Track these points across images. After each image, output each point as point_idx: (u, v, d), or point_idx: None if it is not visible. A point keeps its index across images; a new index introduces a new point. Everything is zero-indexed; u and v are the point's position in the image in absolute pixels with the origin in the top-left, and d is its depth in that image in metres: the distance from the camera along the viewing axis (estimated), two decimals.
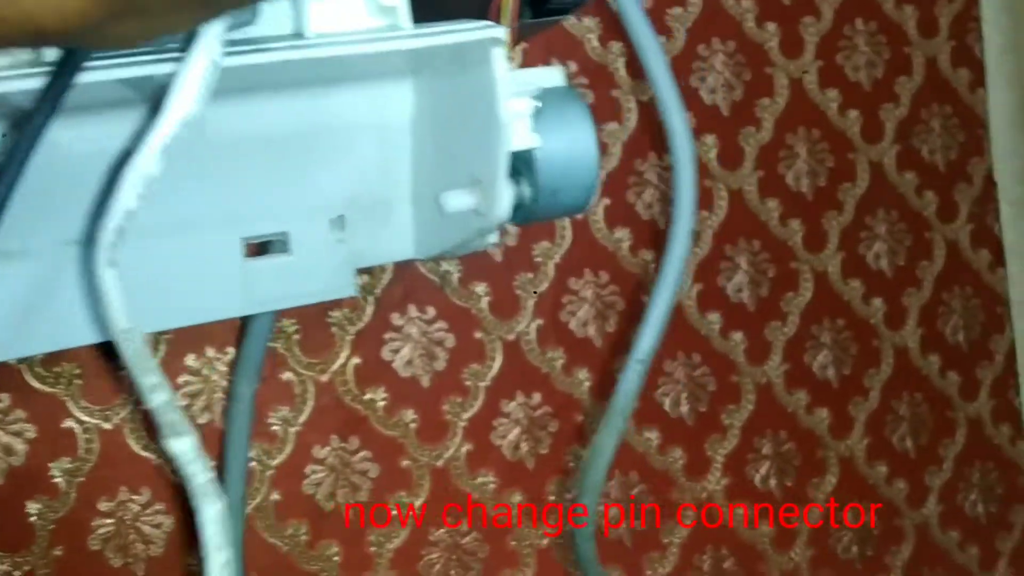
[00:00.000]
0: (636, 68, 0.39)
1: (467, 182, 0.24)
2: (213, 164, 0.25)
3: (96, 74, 0.20)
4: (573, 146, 0.24)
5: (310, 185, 0.26)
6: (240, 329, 0.33)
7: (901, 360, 0.46)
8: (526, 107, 0.23)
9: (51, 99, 0.20)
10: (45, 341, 0.26)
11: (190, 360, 0.33)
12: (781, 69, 0.43)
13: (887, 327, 0.46)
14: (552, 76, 0.25)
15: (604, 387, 0.40)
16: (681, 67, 0.41)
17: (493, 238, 0.26)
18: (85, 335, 0.26)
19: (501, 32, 0.23)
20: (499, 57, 0.23)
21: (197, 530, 0.30)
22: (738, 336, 0.43)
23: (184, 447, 0.26)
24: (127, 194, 0.21)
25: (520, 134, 0.23)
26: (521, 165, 0.24)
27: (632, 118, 0.40)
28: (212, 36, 0.21)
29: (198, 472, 0.26)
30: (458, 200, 0.24)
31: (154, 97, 0.21)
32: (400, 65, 0.26)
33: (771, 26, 0.43)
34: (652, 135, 0.40)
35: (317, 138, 0.26)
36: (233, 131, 0.25)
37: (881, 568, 0.46)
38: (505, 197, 0.24)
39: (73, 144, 0.23)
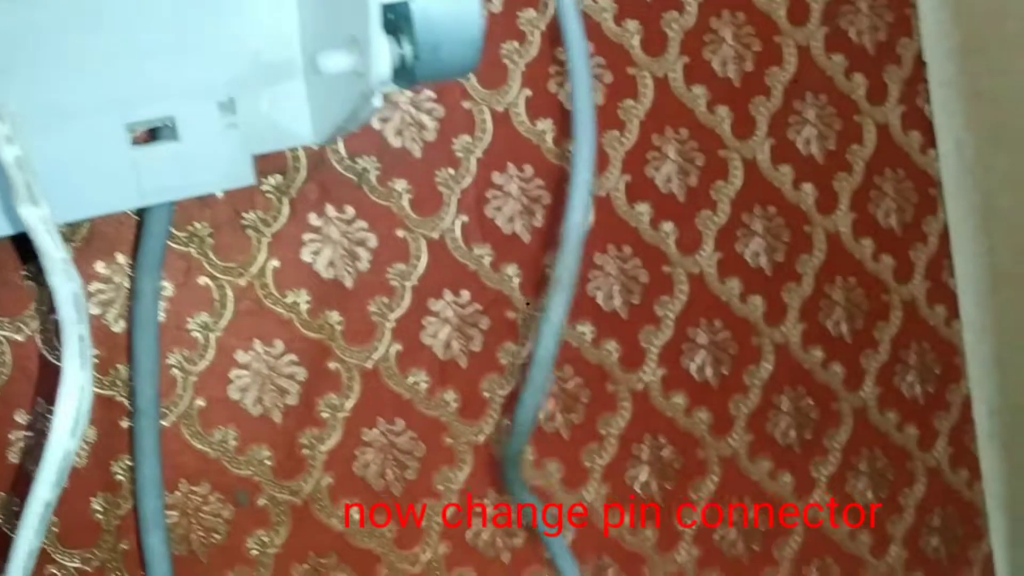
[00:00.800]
0: None
1: (345, 42, 0.23)
2: (84, 41, 0.24)
3: None
4: None
5: (194, 63, 0.25)
6: (137, 225, 0.32)
7: (834, 245, 0.46)
8: None
9: None
10: None
11: (100, 267, 0.33)
12: None
13: (819, 212, 0.46)
14: None
15: (534, 282, 0.40)
16: None
17: (377, 102, 0.25)
18: None
19: None
20: None
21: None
22: (668, 227, 0.42)
23: (38, 216, 0.23)
24: None
25: None
26: (399, 20, 0.24)
27: (550, 6, 0.39)
28: None
29: (53, 247, 0.24)
30: (335, 60, 0.23)
31: None
32: None
33: None
34: None
35: (197, 9, 0.25)
36: (99, 3, 0.23)
37: (820, 451, 0.47)
38: (382, 54, 0.23)
39: None
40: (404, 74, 0.24)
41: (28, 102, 0.23)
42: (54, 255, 0.24)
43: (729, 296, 0.44)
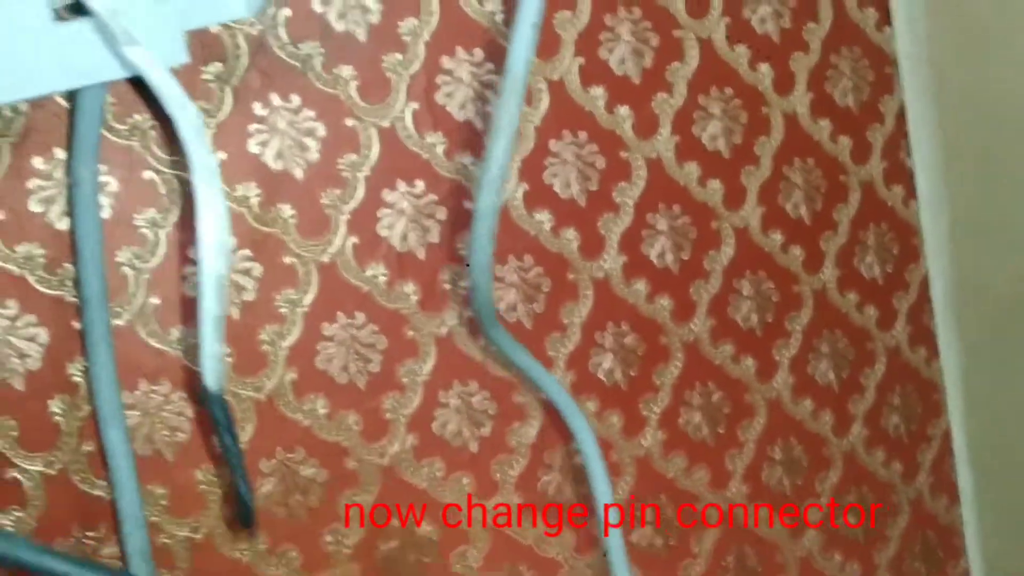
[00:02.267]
0: None
1: None
2: None
3: None
4: None
5: None
6: (69, 113, 0.31)
7: (791, 126, 0.46)
8: None
9: None
10: None
11: (38, 164, 0.32)
12: None
13: (776, 93, 0.45)
14: None
15: None
16: None
17: None
18: None
19: None
20: None
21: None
22: (624, 111, 0.42)
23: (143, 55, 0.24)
24: None
25: None
26: None
27: None
28: None
29: (160, 82, 0.24)
30: None
31: None
32: None
33: None
34: None
35: None
36: None
37: (781, 333, 0.47)
38: None
39: None
40: None
41: None
42: (164, 89, 0.23)
43: (687, 181, 0.44)
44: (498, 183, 0.35)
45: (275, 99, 0.35)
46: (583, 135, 0.41)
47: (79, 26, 0.25)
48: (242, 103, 0.34)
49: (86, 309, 0.31)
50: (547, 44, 0.40)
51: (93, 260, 0.30)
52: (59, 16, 0.25)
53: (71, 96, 0.30)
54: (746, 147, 0.45)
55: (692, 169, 0.44)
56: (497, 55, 0.39)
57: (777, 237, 0.46)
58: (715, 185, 0.44)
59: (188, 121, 0.24)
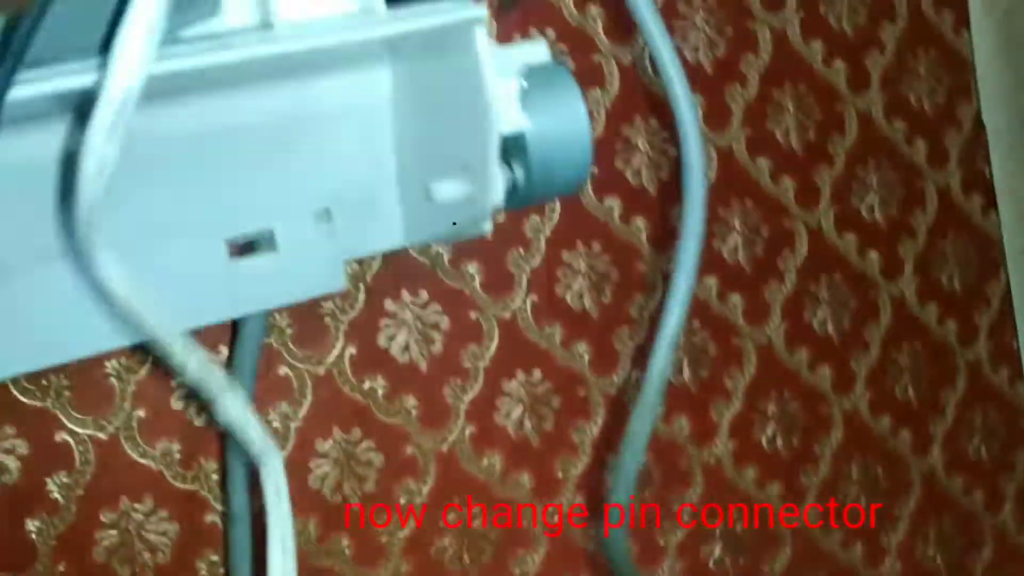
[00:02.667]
0: (616, 31, 0.38)
1: (456, 169, 0.24)
2: (186, 165, 0.24)
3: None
4: (564, 124, 0.23)
5: (291, 179, 0.25)
6: (232, 328, 0.32)
7: (899, 309, 0.46)
8: (513, 87, 0.22)
9: None
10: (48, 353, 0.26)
11: None
12: None
13: (884, 277, 0.45)
14: (537, 51, 0.24)
15: (603, 359, 0.40)
16: None
17: (488, 225, 0.25)
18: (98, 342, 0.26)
19: (482, 12, 0.22)
20: (481, 38, 0.22)
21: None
22: (735, 298, 0.42)
23: (235, 407, 0.25)
24: (88, 187, 0.20)
25: (508, 116, 0.22)
26: (512, 147, 0.24)
27: (615, 82, 0.39)
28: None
29: (251, 431, 0.26)
30: (449, 189, 0.23)
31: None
32: (376, 50, 0.25)
33: None
34: (637, 98, 0.39)
35: (293, 130, 0.25)
36: (204, 129, 0.24)
37: (890, 517, 0.46)
38: (498, 182, 0.23)
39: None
40: (515, 198, 0.24)
41: (135, 225, 0.24)
42: (252, 447, 0.25)
43: (798, 366, 0.44)
44: (652, 423, 0.33)
45: (405, 295, 0.36)
46: (696, 322, 0.41)
47: (251, 261, 0.26)
48: (374, 300, 0.35)
49: (233, 524, 0.31)
50: (667, 234, 0.40)
51: (242, 478, 0.30)
52: (232, 251, 0.26)
53: None
54: (854, 331, 0.45)
55: (802, 354, 0.44)
56: (614, 247, 0.40)
57: (886, 422, 0.46)
58: (825, 370, 0.44)
59: (272, 474, 0.25)
